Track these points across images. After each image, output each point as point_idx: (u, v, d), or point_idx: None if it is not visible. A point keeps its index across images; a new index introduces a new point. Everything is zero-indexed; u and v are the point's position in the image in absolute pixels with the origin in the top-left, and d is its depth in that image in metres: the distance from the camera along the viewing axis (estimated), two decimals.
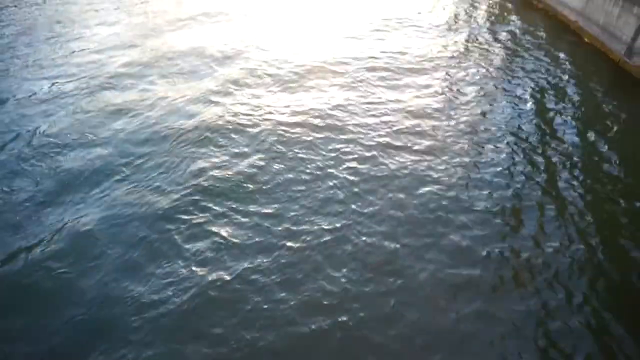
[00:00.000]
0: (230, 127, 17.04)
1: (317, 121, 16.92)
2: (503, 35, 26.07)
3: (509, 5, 31.45)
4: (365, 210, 12.52)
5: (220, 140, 16.15)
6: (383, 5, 33.28)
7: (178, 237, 11.80)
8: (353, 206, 12.66)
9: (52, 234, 12.23)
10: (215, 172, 14.38)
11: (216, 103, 18.87)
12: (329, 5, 33.39)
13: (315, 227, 12.06)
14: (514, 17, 29.30)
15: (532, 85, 19.85)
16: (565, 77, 20.71)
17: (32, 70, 23.28)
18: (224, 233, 12.06)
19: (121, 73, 22.11)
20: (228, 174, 14.30)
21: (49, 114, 18.39)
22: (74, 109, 18.79)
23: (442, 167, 14.26)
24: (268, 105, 18.57)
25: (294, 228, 12.13)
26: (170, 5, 34.38)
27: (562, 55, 22.90)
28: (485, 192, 13.08)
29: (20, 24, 30.62)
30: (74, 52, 25.71)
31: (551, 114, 17.52)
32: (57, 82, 21.65)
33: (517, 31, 26.81)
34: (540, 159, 14.66)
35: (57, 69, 23.05)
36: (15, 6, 33.83)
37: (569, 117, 17.31)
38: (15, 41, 27.25)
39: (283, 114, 17.80)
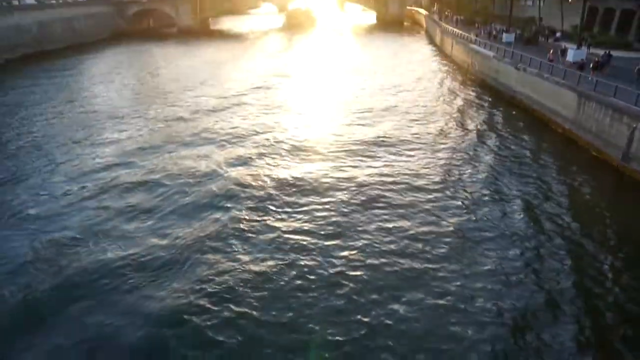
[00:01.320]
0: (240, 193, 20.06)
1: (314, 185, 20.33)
2: (492, 138, 28.13)
3: (495, 108, 34.17)
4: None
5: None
6: (371, 96, 37.13)
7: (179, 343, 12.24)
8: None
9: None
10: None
11: (233, 171, 21.23)
12: (323, 99, 36.83)
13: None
14: (499, 118, 31.86)
15: (529, 189, 21.02)
16: (566, 180, 22.04)
17: (58, 169, 24.77)
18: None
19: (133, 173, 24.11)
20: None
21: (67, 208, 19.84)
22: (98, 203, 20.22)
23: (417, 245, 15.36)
24: (277, 174, 22.16)
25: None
26: (182, 109, 37.17)
27: (559, 159, 24.60)
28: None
29: (43, 130, 32.77)
30: (96, 151, 27.40)
31: (553, 216, 18.40)
32: (77, 181, 22.91)
33: (503, 133, 28.98)
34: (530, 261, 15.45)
35: (80, 169, 24.52)
36: (41, 115, 36.39)
37: (571, 219, 18.15)
38: (39, 144, 29.01)
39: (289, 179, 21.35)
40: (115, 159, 25.45)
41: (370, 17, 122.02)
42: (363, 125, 30.61)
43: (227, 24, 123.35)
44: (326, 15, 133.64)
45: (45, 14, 76.75)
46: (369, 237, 16.71)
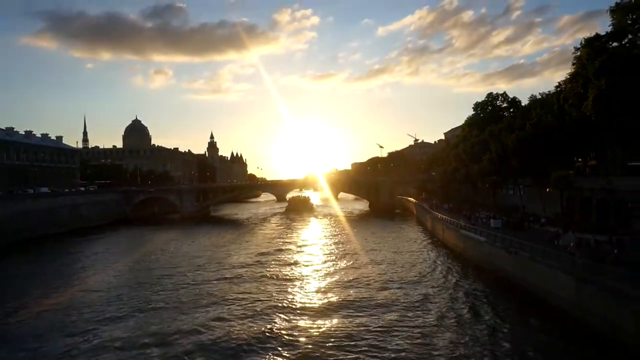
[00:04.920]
0: None
1: None
2: (492, 319, 26.95)
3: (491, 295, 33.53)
4: None
5: None
6: (365, 281, 36.36)
7: None
8: None
9: None
10: None
11: None
12: (315, 282, 36.16)
13: None
14: (495, 299, 30.88)
15: None
16: None
17: None
18: None
19: None
20: None
21: None
22: None
23: None
24: None
25: None
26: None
27: (564, 341, 23.31)
28: None
29: (31, 315, 32.00)
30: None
31: None
32: None
33: (501, 314, 27.94)
34: None
35: None
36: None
37: None
38: (25, 333, 28.18)
39: None
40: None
41: (363, 205, 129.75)
42: (356, 313, 29.70)
43: (228, 210, 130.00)
44: (322, 203, 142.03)
45: (55, 201, 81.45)
46: None
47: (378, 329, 26.29)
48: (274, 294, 34.72)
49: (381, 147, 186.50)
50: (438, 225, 62.26)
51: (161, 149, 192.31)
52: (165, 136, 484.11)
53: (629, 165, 44.02)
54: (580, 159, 59.51)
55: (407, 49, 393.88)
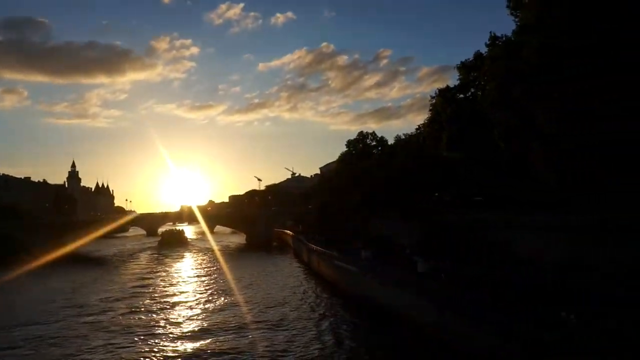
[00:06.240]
0: None
1: None
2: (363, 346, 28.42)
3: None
4: None
5: None
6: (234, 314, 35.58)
7: None
8: None
9: None
10: None
11: None
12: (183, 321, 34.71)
13: None
14: (366, 326, 32.52)
15: None
16: None
17: None
18: None
19: None
20: None
21: None
22: None
23: None
24: None
25: None
26: None
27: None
28: None
29: None
30: None
31: None
32: None
33: (374, 341, 29.45)
34: None
35: None
36: None
37: None
38: None
39: None
40: None
41: (240, 238, 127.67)
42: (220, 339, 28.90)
43: (90, 247, 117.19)
44: (197, 236, 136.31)
45: None
46: None
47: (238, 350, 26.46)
48: (137, 329, 32.59)
49: (259, 179, 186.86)
50: (313, 257, 63.84)
51: (7, 178, 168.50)
52: (15, 164, 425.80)
53: (475, 200, 50.49)
54: (437, 194, 66.62)
55: (287, 86, 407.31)
